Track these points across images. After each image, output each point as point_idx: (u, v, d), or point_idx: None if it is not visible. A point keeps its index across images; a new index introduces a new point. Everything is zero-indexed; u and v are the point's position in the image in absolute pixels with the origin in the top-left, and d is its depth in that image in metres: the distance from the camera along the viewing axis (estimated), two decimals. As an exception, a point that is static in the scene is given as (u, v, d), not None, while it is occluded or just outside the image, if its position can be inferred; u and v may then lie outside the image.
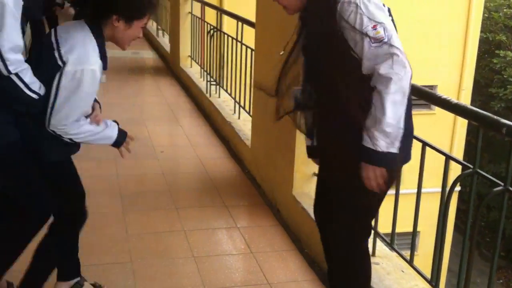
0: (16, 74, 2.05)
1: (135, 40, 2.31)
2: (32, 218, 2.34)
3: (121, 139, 2.46)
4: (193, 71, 7.01)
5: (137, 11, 2.19)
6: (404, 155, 2.05)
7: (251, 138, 4.29)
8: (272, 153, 3.78)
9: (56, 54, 2.11)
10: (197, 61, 6.93)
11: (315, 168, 3.41)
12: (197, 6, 6.92)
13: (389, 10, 2.04)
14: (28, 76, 2.09)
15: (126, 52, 8.01)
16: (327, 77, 2.03)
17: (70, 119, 2.17)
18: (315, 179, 3.40)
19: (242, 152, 4.52)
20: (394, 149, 1.95)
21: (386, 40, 1.91)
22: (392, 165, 1.99)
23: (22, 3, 2.08)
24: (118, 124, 2.48)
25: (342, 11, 1.95)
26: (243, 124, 4.83)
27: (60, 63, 2.10)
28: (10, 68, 2.03)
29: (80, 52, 2.12)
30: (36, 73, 2.12)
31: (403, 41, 1.96)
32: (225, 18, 6.98)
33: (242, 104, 4.97)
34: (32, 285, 2.50)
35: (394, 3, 2.66)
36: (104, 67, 2.21)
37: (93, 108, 2.34)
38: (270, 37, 3.74)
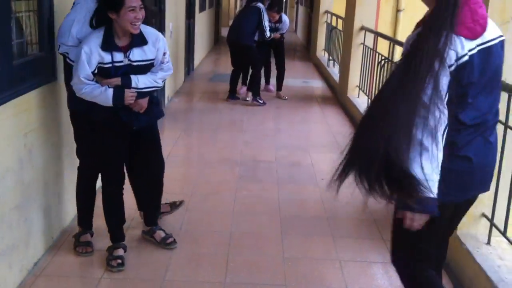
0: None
1: (136, 22, 2.88)
2: None
3: (118, 99, 2.95)
4: (360, 101, 6.98)
5: (114, 1, 2.84)
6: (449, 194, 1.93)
7: (415, 172, 4.12)
8: (437, 190, 3.59)
9: None
10: (365, 91, 6.90)
11: (483, 208, 3.18)
12: (369, 37, 6.91)
13: None
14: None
15: (297, 81, 8.26)
16: None
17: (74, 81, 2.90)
18: (483, 220, 3.18)
19: (405, 186, 4.36)
20: (431, 194, 1.82)
21: None
22: (429, 210, 1.88)
23: None
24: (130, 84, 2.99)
25: None
26: (408, 157, 4.67)
27: None
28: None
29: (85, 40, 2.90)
30: None
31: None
32: (398, 48, 6.87)
33: (408, 136, 4.81)
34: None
35: None
36: (106, 48, 2.90)
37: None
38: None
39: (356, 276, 3.15)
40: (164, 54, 3.10)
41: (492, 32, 1.93)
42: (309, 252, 3.42)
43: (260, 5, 7.25)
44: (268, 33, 7.26)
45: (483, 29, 1.89)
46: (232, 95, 7.65)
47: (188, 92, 8.37)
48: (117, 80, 2.95)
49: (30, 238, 3.01)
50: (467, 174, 2.00)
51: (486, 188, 2.16)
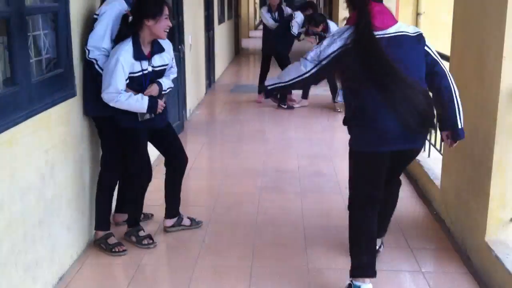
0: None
1: (167, 29, 3.26)
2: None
3: (153, 108, 3.30)
4: (383, 107, 6.89)
5: (154, 9, 3.18)
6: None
7: (441, 178, 4.04)
8: (464, 195, 3.51)
9: None
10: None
11: (511, 213, 3.10)
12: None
13: None
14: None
15: (319, 89, 8.17)
16: None
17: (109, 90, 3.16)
18: (511, 226, 3.09)
19: (431, 192, 4.28)
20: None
21: None
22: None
23: None
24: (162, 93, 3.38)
25: None
26: (433, 163, 4.59)
27: None
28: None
29: (117, 50, 3.17)
30: None
31: None
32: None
33: (432, 141, 4.74)
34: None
35: None
36: (137, 57, 3.21)
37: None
38: (465, 71, 3.53)
39: (383, 285, 3.08)
40: (173, 58, 3.55)
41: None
42: (333, 263, 3.37)
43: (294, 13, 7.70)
44: (294, 30, 7.61)
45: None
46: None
47: (210, 104, 8.39)
48: (156, 89, 3.32)
49: (54, 254, 3.03)
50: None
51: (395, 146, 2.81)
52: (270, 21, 7.89)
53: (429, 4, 8.88)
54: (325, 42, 2.83)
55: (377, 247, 3.31)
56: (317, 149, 5.88)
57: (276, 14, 7.92)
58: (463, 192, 3.52)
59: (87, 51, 3.25)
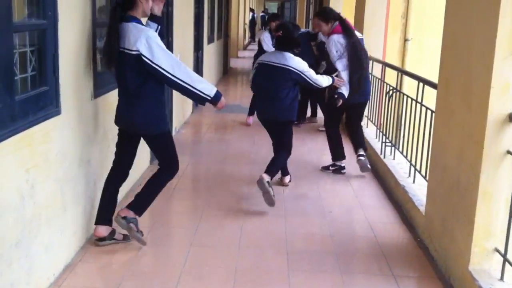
0: None
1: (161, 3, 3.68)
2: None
3: (217, 98, 3.55)
4: (369, 131, 6.92)
5: None
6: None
7: (425, 204, 4.04)
8: (449, 223, 3.50)
9: None
10: (373, 121, 6.84)
11: (496, 243, 3.09)
12: (377, 67, 6.89)
13: None
14: None
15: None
16: None
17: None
18: (496, 255, 3.08)
19: (415, 218, 4.27)
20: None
21: None
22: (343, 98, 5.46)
23: None
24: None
25: None
26: (418, 189, 4.59)
27: None
28: None
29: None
30: None
31: None
32: (406, 78, 6.84)
33: (417, 167, 4.74)
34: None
35: None
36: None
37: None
38: (453, 99, 3.54)
39: (365, 314, 3.04)
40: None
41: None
42: (317, 289, 3.32)
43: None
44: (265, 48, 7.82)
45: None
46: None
47: (196, 123, 8.36)
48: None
49: (30, 276, 2.95)
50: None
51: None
52: (270, 47, 7.74)
53: (417, 30, 8.99)
54: (334, 52, 5.41)
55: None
56: (302, 171, 5.86)
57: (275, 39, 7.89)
58: (448, 220, 3.52)
59: (171, 76, 3.37)
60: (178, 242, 4.03)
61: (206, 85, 3.50)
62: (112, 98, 4.27)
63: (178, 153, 3.81)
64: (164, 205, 4.65)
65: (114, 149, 4.22)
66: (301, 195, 5.08)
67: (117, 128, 3.86)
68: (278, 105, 4.86)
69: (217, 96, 3.52)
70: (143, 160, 5.52)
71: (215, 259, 3.69)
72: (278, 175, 5.21)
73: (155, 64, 3.35)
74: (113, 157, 3.96)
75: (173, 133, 7.05)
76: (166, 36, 6.30)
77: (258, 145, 7.00)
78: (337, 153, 5.87)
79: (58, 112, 3.21)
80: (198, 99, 3.53)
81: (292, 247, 3.89)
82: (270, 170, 4.75)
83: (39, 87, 3.07)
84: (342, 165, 5.85)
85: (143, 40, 3.34)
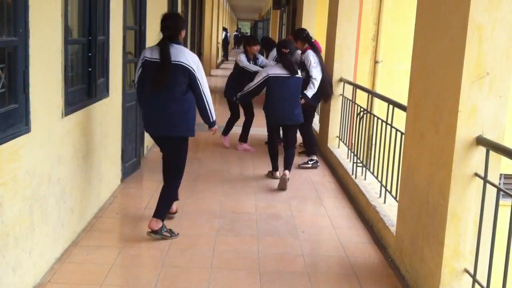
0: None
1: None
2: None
3: (215, 124, 4.57)
4: (340, 151, 6.99)
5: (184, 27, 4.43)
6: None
7: (396, 225, 4.08)
8: (419, 243, 3.54)
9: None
10: (344, 142, 6.92)
11: (466, 263, 3.13)
12: (348, 88, 6.99)
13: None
14: None
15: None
16: None
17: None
18: (466, 276, 3.13)
19: (386, 238, 4.31)
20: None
21: None
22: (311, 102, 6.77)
23: None
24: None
25: None
26: (389, 209, 4.64)
27: None
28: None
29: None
30: None
31: None
32: (376, 100, 6.94)
33: (388, 188, 4.80)
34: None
35: None
36: None
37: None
38: (422, 121, 3.61)
39: (337, 335, 3.04)
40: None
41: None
42: (289, 310, 3.31)
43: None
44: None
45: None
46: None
47: (168, 141, 8.30)
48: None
49: (-4, 298, 2.87)
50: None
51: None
52: (250, 65, 7.70)
53: (387, 53, 9.19)
54: (313, 61, 6.67)
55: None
56: (274, 191, 5.87)
57: (251, 62, 7.92)
58: (418, 240, 3.56)
59: (202, 90, 4.30)
60: (149, 263, 3.97)
61: (213, 111, 4.43)
62: (82, 116, 4.23)
63: (150, 171, 3.80)
64: (136, 225, 4.59)
65: (84, 166, 4.19)
66: (274, 215, 5.08)
67: (86, 146, 3.82)
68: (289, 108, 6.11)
69: (215, 122, 4.52)
70: (115, 178, 5.46)
71: (187, 280, 3.65)
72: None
73: (198, 77, 4.23)
74: (83, 175, 3.91)
75: (145, 152, 7.00)
76: (139, 54, 6.28)
77: (230, 163, 7.00)
78: (312, 149, 6.99)
79: (27, 130, 3.16)
80: (206, 117, 4.43)
81: (264, 268, 3.87)
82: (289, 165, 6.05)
83: (8, 104, 3.02)
84: (315, 159, 6.90)
85: (194, 58, 4.27)
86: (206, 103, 4.32)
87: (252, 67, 7.68)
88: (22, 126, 3.10)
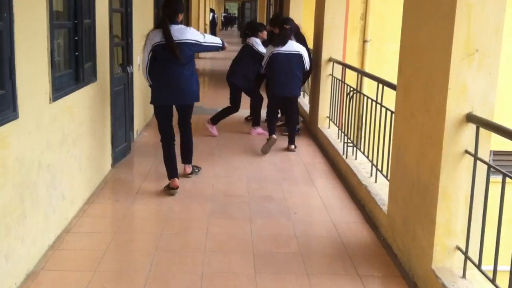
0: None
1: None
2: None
3: (224, 45, 5.38)
4: (331, 132, 6.99)
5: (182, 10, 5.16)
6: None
7: (387, 204, 4.10)
8: (411, 222, 3.57)
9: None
10: (335, 122, 6.92)
11: (457, 241, 3.16)
12: (338, 68, 6.97)
13: None
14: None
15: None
16: None
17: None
18: (458, 253, 3.16)
19: (378, 217, 4.33)
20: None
21: None
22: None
23: None
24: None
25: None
26: (380, 189, 4.66)
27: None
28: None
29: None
30: None
31: None
32: (366, 79, 6.93)
33: (379, 167, 4.82)
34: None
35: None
36: None
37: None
38: (412, 100, 3.61)
39: (331, 314, 3.07)
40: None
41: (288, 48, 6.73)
42: (283, 291, 3.33)
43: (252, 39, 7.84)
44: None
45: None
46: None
47: (158, 125, 8.25)
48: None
49: (-11, 286, 2.86)
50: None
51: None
52: (264, 49, 7.53)
53: (376, 32, 9.16)
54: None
55: None
56: (266, 172, 5.88)
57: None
58: (410, 219, 3.58)
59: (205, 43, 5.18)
60: (142, 248, 3.97)
61: (219, 40, 5.35)
62: (70, 101, 4.19)
63: (141, 155, 3.79)
64: (128, 209, 4.59)
65: (74, 152, 4.16)
66: (266, 197, 5.09)
67: (75, 132, 3.78)
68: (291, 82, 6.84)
69: (223, 44, 5.37)
70: (106, 163, 5.43)
71: (181, 264, 3.65)
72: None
73: (205, 42, 5.15)
74: (73, 160, 3.89)
75: (135, 136, 6.97)
76: (125, 37, 6.21)
77: (221, 146, 6.98)
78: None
79: (15, 117, 3.12)
80: (218, 49, 5.39)
81: (258, 250, 3.89)
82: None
83: (-5, 91, 2.98)
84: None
85: (193, 31, 5.12)
86: (217, 47, 5.33)
87: (264, 51, 7.54)
88: (9, 112, 3.06)
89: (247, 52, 7.67)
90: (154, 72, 5.00)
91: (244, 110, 8.16)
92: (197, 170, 5.67)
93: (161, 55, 4.91)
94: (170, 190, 5.02)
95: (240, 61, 7.70)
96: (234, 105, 7.70)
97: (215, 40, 5.31)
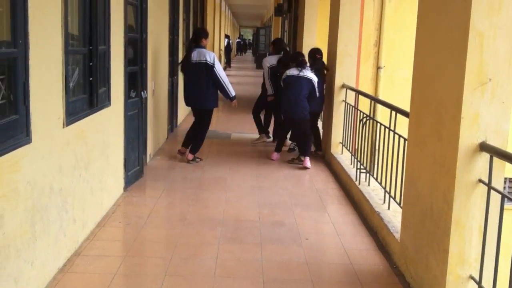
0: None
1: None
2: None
3: (234, 98, 7.21)
4: (344, 157, 6.97)
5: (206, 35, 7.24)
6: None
7: (400, 231, 4.05)
8: (424, 250, 3.52)
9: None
10: (348, 148, 6.89)
11: (471, 270, 3.11)
12: (351, 95, 6.98)
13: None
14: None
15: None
16: None
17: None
18: (471, 282, 3.10)
19: (391, 245, 4.28)
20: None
21: None
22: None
23: None
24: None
25: None
26: (393, 216, 4.61)
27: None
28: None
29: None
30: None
31: None
32: (379, 106, 6.93)
33: (392, 194, 4.77)
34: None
35: None
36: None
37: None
38: (424, 128, 3.59)
39: None
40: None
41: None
42: (292, 319, 3.28)
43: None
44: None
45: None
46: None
47: (171, 149, 8.29)
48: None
49: (-3, 310, 2.86)
50: None
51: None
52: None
53: (389, 59, 9.17)
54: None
55: None
56: (278, 198, 5.85)
57: None
58: (423, 247, 3.53)
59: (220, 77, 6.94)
60: (152, 272, 3.95)
61: (231, 88, 6.96)
62: (83, 126, 4.23)
63: (153, 179, 3.81)
64: (138, 233, 4.58)
65: (86, 176, 4.21)
66: (277, 222, 5.06)
67: (87, 156, 3.80)
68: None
69: (235, 97, 7.08)
70: (118, 186, 5.45)
71: (190, 289, 3.63)
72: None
73: (216, 67, 6.85)
74: (85, 184, 3.94)
75: (148, 160, 7.00)
76: (140, 63, 6.29)
77: (234, 171, 6.98)
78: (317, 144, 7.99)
79: (28, 141, 3.15)
80: (224, 93, 6.98)
81: (268, 276, 3.85)
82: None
83: (9, 115, 3.01)
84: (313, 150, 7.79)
85: (211, 54, 6.92)
86: (223, 83, 6.85)
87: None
88: (22, 137, 3.10)
89: (270, 72, 8.32)
90: (185, 79, 7.26)
91: (254, 135, 8.15)
92: (198, 160, 7.09)
93: (186, 69, 7.15)
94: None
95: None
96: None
97: (224, 77, 6.88)
